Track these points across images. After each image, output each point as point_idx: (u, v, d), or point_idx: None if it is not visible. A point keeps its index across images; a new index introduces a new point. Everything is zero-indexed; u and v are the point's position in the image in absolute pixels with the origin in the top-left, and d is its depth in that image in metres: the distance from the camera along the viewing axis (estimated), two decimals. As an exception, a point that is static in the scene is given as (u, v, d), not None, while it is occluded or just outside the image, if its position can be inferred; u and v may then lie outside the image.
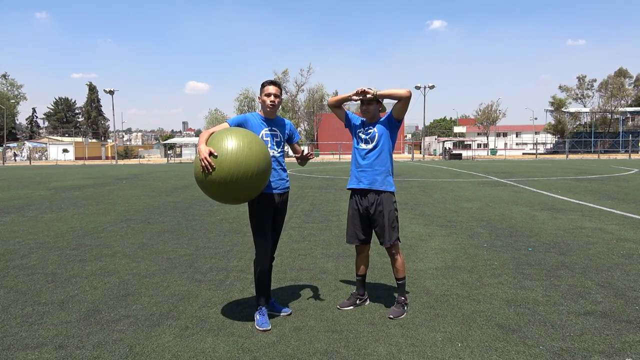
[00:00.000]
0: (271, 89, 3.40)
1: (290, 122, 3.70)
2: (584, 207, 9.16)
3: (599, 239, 6.11)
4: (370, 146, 3.61)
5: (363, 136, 3.66)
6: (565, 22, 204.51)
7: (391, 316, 3.46)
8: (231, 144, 3.02)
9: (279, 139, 3.49)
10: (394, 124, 3.62)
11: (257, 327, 3.26)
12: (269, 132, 3.42)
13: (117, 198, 11.95)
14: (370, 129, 3.64)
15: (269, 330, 3.21)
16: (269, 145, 3.38)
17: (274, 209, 3.44)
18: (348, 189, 3.71)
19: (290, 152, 4.05)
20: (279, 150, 3.48)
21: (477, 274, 4.56)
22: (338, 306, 3.68)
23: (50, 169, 34.33)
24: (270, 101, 3.39)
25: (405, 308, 3.56)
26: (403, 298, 3.59)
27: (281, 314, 3.52)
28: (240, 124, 3.35)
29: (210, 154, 2.96)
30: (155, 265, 5.00)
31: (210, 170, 2.95)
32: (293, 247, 5.80)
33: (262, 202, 3.34)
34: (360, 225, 3.64)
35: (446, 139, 64.29)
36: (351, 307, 3.67)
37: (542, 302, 3.72)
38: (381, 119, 3.67)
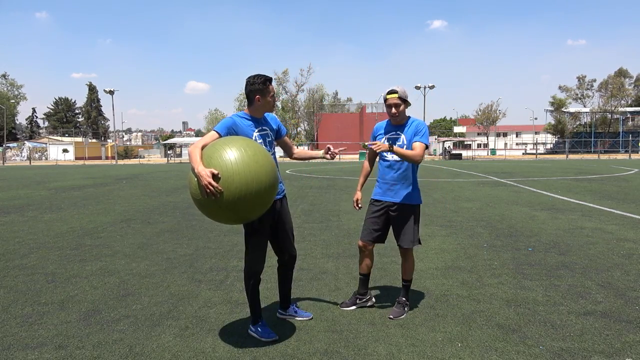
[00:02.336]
0: (273, 87, 3.19)
1: (274, 115, 3.38)
2: (584, 207, 9.16)
3: (599, 239, 6.11)
4: (397, 157, 3.43)
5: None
6: (565, 22, 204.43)
7: (391, 316, 3.44)
8: (234, 159, 2.62)
9: (270, 139, 3.22)
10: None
11: (261, 339, 3.06)
12: (259, 134, 3.13)
13: (117, 198, 11.95)
14: (398, 134, 3.46)
15: (277, 339, 3.07)
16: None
17: (273, 216, 3.20)
18: (372, 199, 3.60)
19: (296, 152, 3.69)
20: (272, 151, 3.23)
21: (477, 274, 4.56)
22: (340, 305, 3.63)
23: (50, 169, 34.32)
24: (275, 101, 3.21)
25: (406, 309, 3.54)
26: (404, 299, 3.57)
27: (304, 318, 3.43)
28: (230, 131, 3.01)
29: (214, 176, 2.58)
30: (155, 265, 5.00)
31: (218, 196, 2.58)
32: (293, 247, 5.79)
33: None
34: (377, 224, 3.54)
35: (446, 139, 64.29)
36: (353, 307, 3.62)
37: (542, 302, 3.72)
38: (411, 124, 3.46)
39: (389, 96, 3.42)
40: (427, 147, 3.45)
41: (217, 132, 2.98)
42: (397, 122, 3.49)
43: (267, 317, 3.38)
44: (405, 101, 3.43)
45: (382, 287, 4.19)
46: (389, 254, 5.16)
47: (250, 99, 3.14)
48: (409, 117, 3.54)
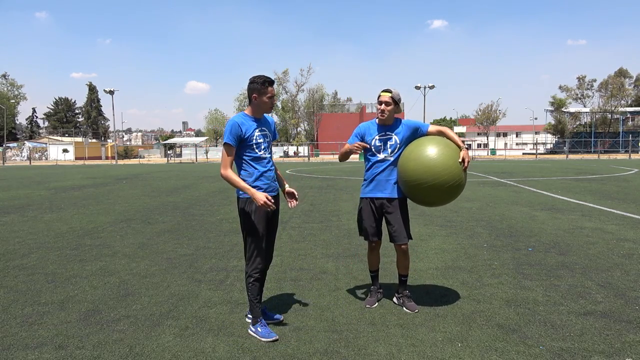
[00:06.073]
0: (273, 90, 3.23)
1: (272, 119, 3.47)
2: (584, 207, 9.16)
3: (599, 239, 6.11)
4: (388, 155, 3.54)
5: (381, 145, 3.54)
6: (565, 22, 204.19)
7: (416, 310, 3.57)
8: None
9: (269, 139, 3.31)
10: (417, 134, 3.57)
11: (261, 339, 3.07)
12: (260, 134, 3.21)
13: (117, 198, 11.95)
14: (389, 134, 3.54)
15: (277, 339, 3.07)
16: (262, 146, 3.21)
17: (267, 215, 3.21)
18: (362, 197, 3.66)
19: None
20: (269, 151, 3.31)
21: (477, 274, 4.56)
22: (367, 305, 3.67)
23: (50, 169, 34.32)
24: (273, 102, 3.27)
25: (412, 299, 3.72)
26: (408, 292, 3.73)
27: (274, 320, 3.38)
28: (239, 137, 3.12)
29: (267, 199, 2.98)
30: (155, 265, 5.00)
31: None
32: (293, 247, 5.80)
33: (257, 206, 3.11)
34: (375, 222, 3.64)
35: (446, 139, 64.09)
36: (377, 303, 3.74)
37: (542, 302, 3.72)
38: (402, 125, 3.57)
39: (382, 93, 3.54)
40: None
41: (230, 144, 3.12)
42: (383, 121, 3.57)
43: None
44: (396, 104, 3.52)
45: (383, 287, 4.18)
46: (389, 253, 5.15)
47: (249, 97, 3.25)
48: (399, 119, 3.63)
